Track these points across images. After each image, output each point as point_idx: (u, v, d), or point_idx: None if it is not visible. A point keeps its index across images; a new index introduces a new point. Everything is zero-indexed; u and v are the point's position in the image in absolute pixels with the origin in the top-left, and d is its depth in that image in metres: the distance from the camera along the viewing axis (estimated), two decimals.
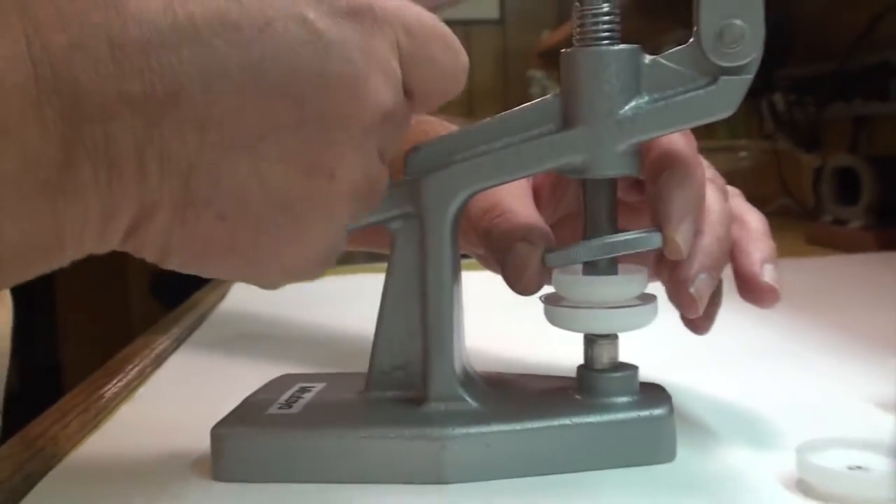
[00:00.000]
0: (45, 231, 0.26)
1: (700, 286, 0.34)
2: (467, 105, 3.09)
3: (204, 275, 0.31)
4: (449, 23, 0.32)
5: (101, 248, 0.28)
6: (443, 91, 0.32)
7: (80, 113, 0.25)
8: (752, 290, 0.36)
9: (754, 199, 1.30)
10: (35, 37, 0.25)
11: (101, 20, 0.26)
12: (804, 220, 1.07)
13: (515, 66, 3.01)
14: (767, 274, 0.36)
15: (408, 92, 0.31)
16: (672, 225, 0.34)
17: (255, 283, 0.32)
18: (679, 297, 0.34)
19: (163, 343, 0.56)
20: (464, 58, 0.32)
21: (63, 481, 0.35)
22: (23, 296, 0.59)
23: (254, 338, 0.59)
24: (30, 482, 0.34)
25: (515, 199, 0.38)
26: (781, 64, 1.19)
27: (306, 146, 0.28)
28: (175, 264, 0.29)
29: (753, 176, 1.21)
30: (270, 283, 0.32)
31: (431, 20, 0.31)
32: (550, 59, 2.56)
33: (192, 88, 0.26)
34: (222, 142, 0.27)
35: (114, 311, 2.70)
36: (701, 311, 0.35)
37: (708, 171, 0.37)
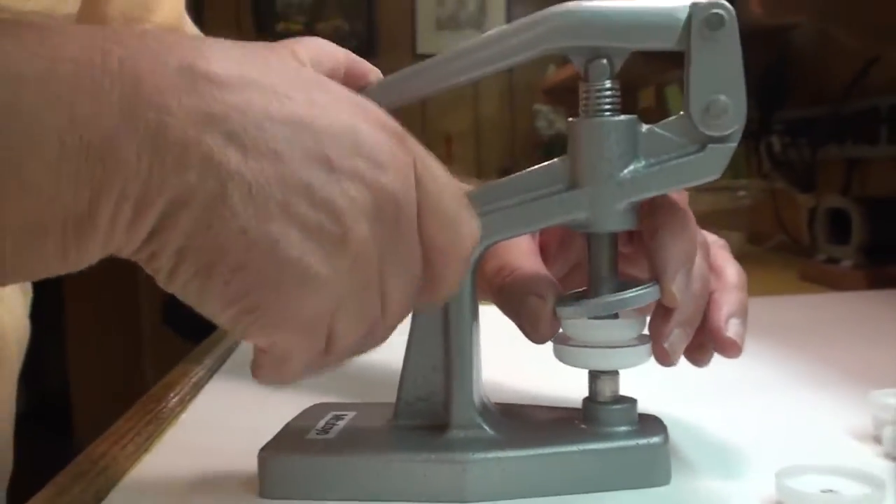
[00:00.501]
0: (81, 196, 0.27)
1: (673, 341, 0.38)
2: (475, 137, 3.14)
3: (201, 304, 0.31)
4: None
5: (129, 241, 0.29)
6: (446, 241, 0.33)
7: (139, 99, 0.27)
8: (716, 342, 0.40)
9: (753, 236, 1.34)
10: (113, 39, 0.28)
11: (178, 47, 0.29)
12: (800, 257, 1.11)
13: (522, 99, 3.06)
14: (732, 328, 0.40)
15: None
16: (668, 277, 0.37)
17: (244, 328, 0.31)
18: (655, 348, 0.38)
19: (198, 372, 0.60)
20: (474, 223, 0.34)
21: (127, 497, 0.39)
22: (33, 320, 0.63)
23: None
24: (98, 497, 0.38)
25: (523, 257, 0.41)
26: (778, 107, 1.24)
27: (331, 200, 0.30)
28: (182, 280, 0.30)
29: (752, 214, 1.25)
30: (258, 328, 0.31)
31: (449, 177, 0.34)
32: (556, 95, 2.62)
33: (245, 121, 0.29)
34: (262, 170, 0.29)
35: (123, 339, 2.73)
36: (675, 363, 0.38)
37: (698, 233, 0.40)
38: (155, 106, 0.28)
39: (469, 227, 0.35)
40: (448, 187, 0.34)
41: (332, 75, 0.37)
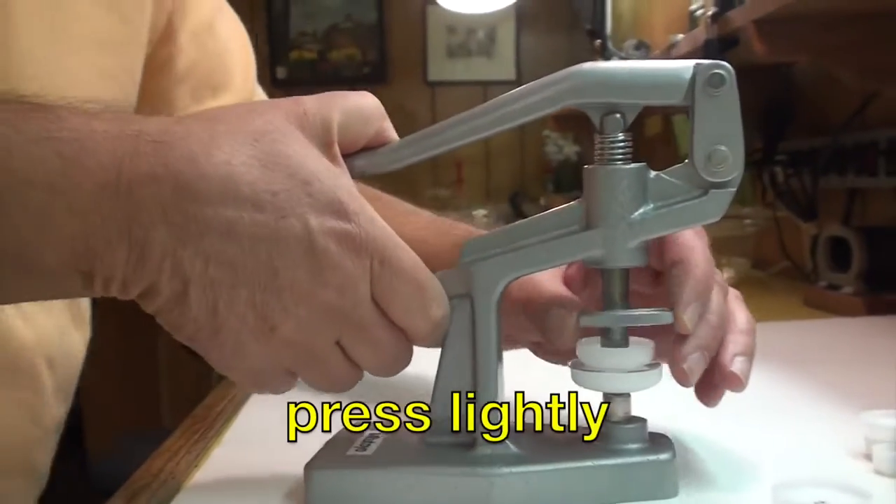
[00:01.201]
0: (84, 271, 0.36)
1: (692, 364, 0.42)
2: (485, 162, 3.19)
3: (176, 333, 0.39)
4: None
5: (122, 297, 0.38)
6: (411, 326, 0.40)
7: (135, 220, 0.35)
8: (722, 376, 0.44)
9: (758, 262, 1.38)
10: (131, 153, 0.36)
11: (183, 160, 0.36)
12: (803, 283, 1.14)
13: (531, 125, 3.09)
14: (736, 365, 0.43)
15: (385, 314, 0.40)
16: (682, 306, 0.42)
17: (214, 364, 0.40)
18: (675, 370, 0.42)
19: (236, 394, 0.64)
20: (434, 310, 0.41)
21: None
22: None
23: None
24: None
25: (546, 280, 0.46)
26: (781, 139, 1.28)
27: (266, 303, 0.37)
28: (160, 321, 0.39)
29: (757, 241, 1.29)
30: (216, 368, 0.40)
31: (411, 263, 0.40)
32: (565, 122, 2.66)
33: (213, 237, 0.36)
34: (217, 276, 0.37)
35: (139, 359, 2.77)
36: (693, 383, 0.42)
37: (717, 276, 0.45)
38: (146, 225, 0.36)
39: (433, 310, 0.41)
40: (408, 276, 0.40)
41: (355, 139, 0.42)
